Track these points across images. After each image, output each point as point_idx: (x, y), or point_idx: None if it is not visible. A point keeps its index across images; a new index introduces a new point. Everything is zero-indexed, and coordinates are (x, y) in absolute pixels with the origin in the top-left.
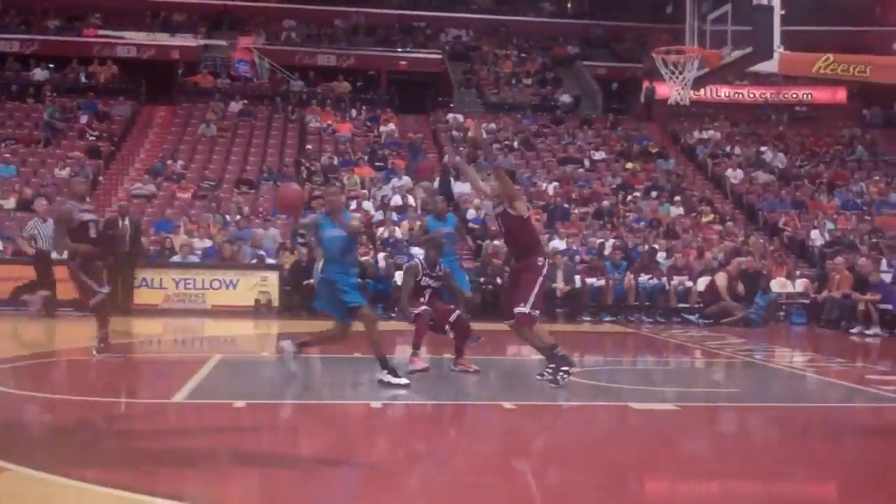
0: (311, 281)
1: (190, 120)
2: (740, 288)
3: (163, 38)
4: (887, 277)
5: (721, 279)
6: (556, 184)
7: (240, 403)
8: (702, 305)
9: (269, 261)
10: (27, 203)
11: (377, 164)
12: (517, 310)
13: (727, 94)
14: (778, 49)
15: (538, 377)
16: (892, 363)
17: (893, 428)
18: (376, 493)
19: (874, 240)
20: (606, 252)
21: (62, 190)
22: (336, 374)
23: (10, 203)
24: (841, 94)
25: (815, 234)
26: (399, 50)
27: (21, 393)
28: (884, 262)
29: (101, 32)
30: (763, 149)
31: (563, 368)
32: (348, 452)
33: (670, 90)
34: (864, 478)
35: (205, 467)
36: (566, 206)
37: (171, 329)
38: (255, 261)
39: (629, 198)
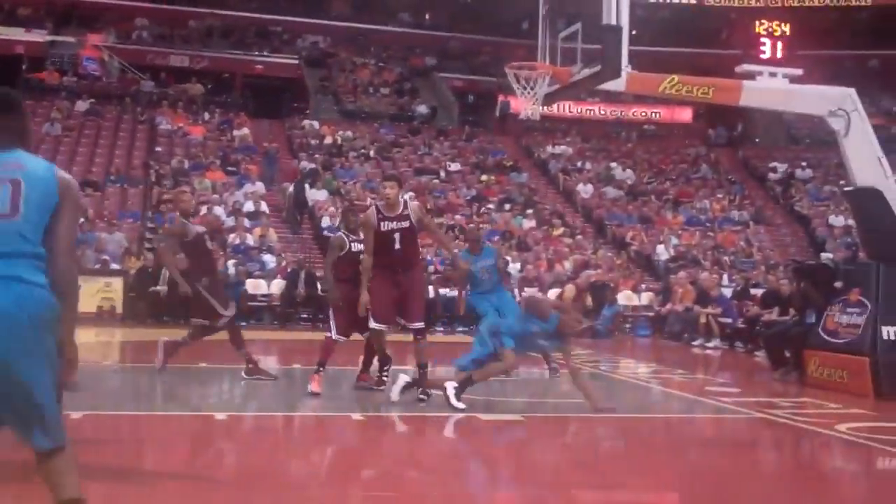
0: (159, 288)
1: (33, 118)
2: (588, 300)
3: (9, 32)
4: (728, 292)
5: (569, 291)
6: (411, 194)
7: (76, 415)
8: None
9: (114, 266)
10: None
11: (229, 168)
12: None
13: (579, 111)
14: (626, 69)
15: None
16: (731, 375)
17: (732, 438)
18: None
19: (716, 255)
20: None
21: None
22: (176, 384)
23: None
24: (687, 114)
25: (660, 248)
26: (255, 53)
27: None
28: (725, 276)
29: None
30: (613, 165)
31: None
32: (191, 465)
33: (522, 105)
34: (705, 487)
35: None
36: None
37: None
38: (98, 265)
39: (483, 209)
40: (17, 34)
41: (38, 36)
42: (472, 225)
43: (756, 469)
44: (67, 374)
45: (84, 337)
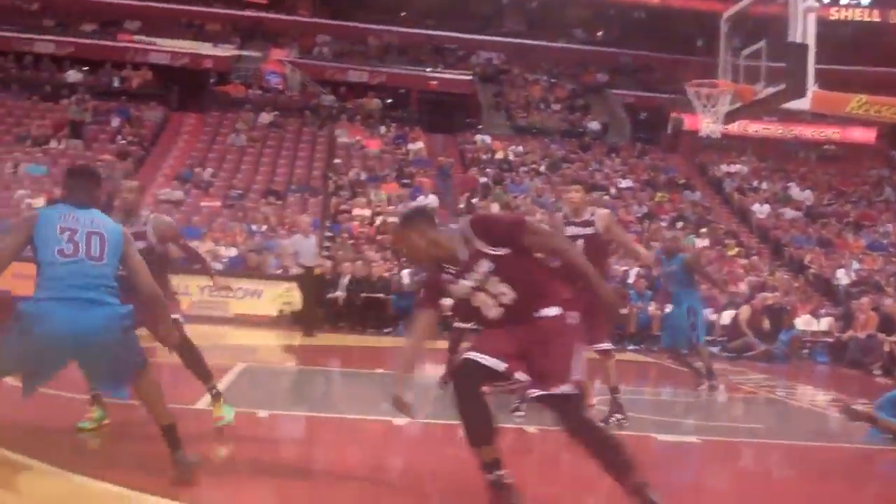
0: (336, 294)
1: (220, 129)
2: (765, 323)
3: (198, 47)
4: None
5: (745, 312)
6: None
7: (263, 413)
8: (725, 339)
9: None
10: (55, 202)
11: (404, 181)
12: None
13: (755, 130)
14: (811, 87)
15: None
16: None
17: None
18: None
19: None
20: (630, 280)
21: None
22: (360, 389)
23: (40, 202)
24: (870, 134)
25: (840, 272)
26: (430, 70)
27: (46, 392)
28: None
29: (136, 38)
30: (790, 185)
31: None
32: (363, 467)
33: (701, 122)
34: None
35: (223, 475)
36: None
37: (195, 336)
38: (279, 271)
39: (654, 227)
40: (205, 49)
41: (226, 51)
42: (670, 234)
43: None
44: (166, 342)
45: (266, 339)
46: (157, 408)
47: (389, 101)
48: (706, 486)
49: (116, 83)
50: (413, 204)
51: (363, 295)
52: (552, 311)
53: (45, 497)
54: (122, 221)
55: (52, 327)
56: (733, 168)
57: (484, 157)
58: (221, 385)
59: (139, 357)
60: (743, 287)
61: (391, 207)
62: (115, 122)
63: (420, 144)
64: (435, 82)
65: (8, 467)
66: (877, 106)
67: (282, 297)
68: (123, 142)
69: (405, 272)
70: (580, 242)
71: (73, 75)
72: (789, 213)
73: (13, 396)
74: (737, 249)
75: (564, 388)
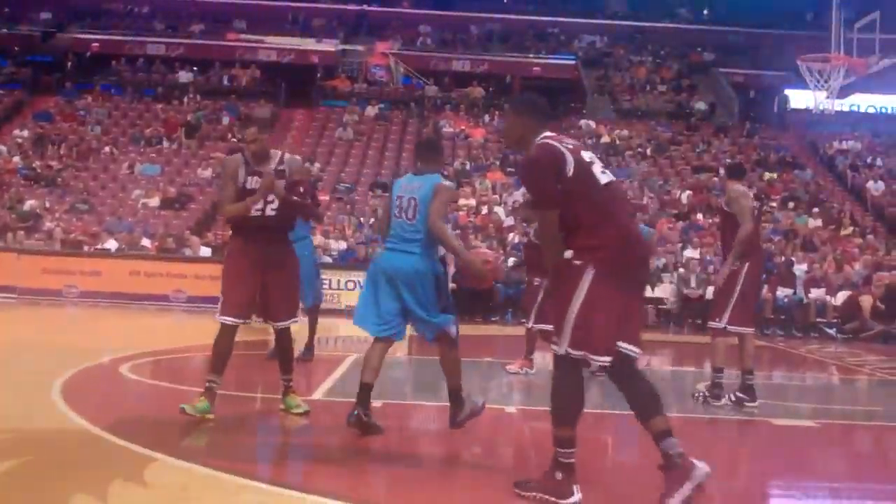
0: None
1: (327, 123)
2: (882, 305)
3: (304, 43)
4: None
5: (867, 301)
6: (689, 192)
7: (377, 403)
8: (839, 320)
9: None
10: (171, 201)
11: (509, 169)
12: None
13: (867, 106)
14: None
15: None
16: None
17: None
18: (507, 498)
19: None
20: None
21: (204, 190)
22: (469, 377)
23: (155, 201)
24: None
25: None
26: (532, 56)
27: (165, 385)
28: None
29: (243, 36)
30: None
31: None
32: (478, 455)
33: (814, 98)
34: None
35: (340, 463)
36: (699, 214)
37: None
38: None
39: (765, 208)
40: (311, 45)
41: (331, 46)
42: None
43: None
44: (476, 281)
45: None
46: (452, 370)
47: (492, 89)
48: (824, 470)
49: (226, 82)
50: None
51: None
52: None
53: (171, 488)
54: (259, 167)
55: (376, 266)
56: (846, 145)
57: (589, 141)
58: (335, 376)
59: (445, 307)
60: (858, 267)
61: (496, 196)
62: (226, 120)
63: None
64: (538, 68)
65: (133, 460)
66: None
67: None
68: (234, 140)
69: (510, 260)
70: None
71: (183, 76)
72: None
73: (136, 391)
74: (851, 229)
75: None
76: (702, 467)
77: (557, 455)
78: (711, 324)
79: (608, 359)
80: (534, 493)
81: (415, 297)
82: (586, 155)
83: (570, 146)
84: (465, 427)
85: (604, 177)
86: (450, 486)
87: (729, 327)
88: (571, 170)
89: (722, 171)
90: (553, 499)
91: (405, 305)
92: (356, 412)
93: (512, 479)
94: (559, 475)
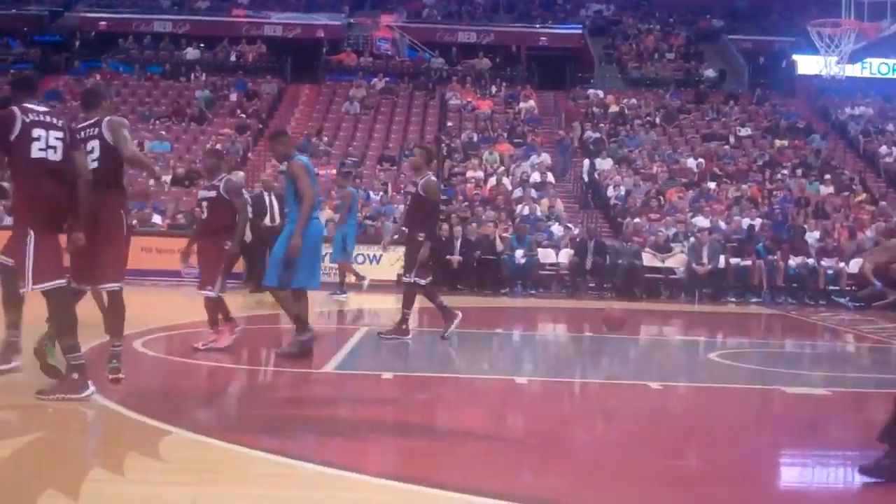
0: (453, 257)
1: (334, 98)
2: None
3: (311, 18)
4: None
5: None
6: (700, 160)
7: (387, 375)
8: (853, 288)
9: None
10: (181, 179)
11: (516, 140)
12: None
13: (879, 70)
14: None
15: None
16: None
17: None
18: (517, 468)
19: None
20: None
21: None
22: (478, 349)
23: (166, 178)
24: None
25: None
26: (539, 25)
27: (178, 360)
28: None
29: (249, 12)
30: None
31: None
32: (488, 425)
33: (824, 64)
34: None
35: (351, 435)
36: (710, 183)
37: (317, 302)
38: (396, 237)
39: (777, 175)
40: (317, 19)
41: (336, 20)
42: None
43: None
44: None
45: (386, 303)
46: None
47: (499, 59)
48: (838, 439)
49: (233, 58)
50: None
51: (478, 256)
52: None
53: (186, 461)
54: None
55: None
56: (857, 110)
57: (597, 111)
58: (346, 349)
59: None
60: (871, 234)
61: (504, 168)
62: (233, 96)
63: (531, 103)
64: (545, 38)
65: (148, 433)
66: None
67: (400, 261)
68: (242, 116)
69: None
70: None
71: (191, 52)
72: None
73: (149, 366)
74: (864, 195)
75: None
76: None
77: (69, 360)
78: None
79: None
80: (56, 395)
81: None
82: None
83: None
84: (477, 396)
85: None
86: (457, 455)
87: None
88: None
89: (733, 139)
90: (72, 395)
91: None
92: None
93: (523, 449)
94: (75, 375)
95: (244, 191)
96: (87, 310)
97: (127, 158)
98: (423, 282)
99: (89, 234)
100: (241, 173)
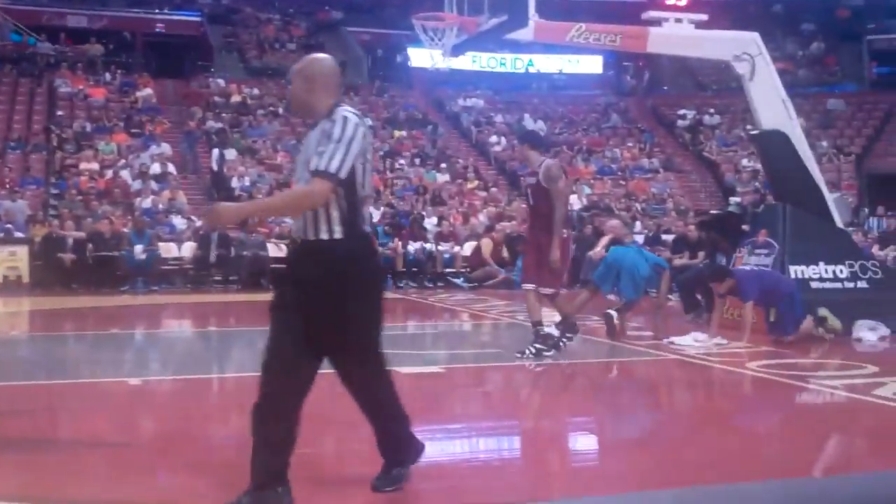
0: (65, 255)
1: None
2: (504, 252)
3: None
4: (640, 239)
5: (486, 246)
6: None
7: None
8: (468, 270)
9: (18, 234)
10: None
11: (133, 130)
12: None
13: (489, 63)
14: (533, 17)
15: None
16: (646, 319)
17: (648, 379)
18: (137, 475)
19: (628, 203)
20: (375, 220)
21: None
22: (89, 352)
23: None
24: (597, 64)
25: (573, 198)
26: (156, 12)
27: None
28: (637, 224)
29: None
30: (525, 116)
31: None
32: (111, 432)
33: (431, 57)
34: (626, 426)
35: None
36: None
37: None
38: (1, 234)
39: (396, 165)
40: None
41: None
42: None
43: (674, 409)
44: None
45: None
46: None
47: (112, 46)
48: (450, 413)
49: None
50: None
51: (93, 253)
52: None
53: None
54: None
55: None
56: (469, 102)
57: (219, 100)
58: None
59: None
60: (483, 218)
61: (122, 159)
62: None
63: (149, 91)
64: (161, 25)
65: None
66: (595, 34)
67: (5, 261)
68: None
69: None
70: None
71: None
72: None
73: None
74: (476, 182)
75: None
76: None
77: None
78: None
79: None
80: None
81: None
82: None
83: None
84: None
85: None
86: (83, 465)
87: None
88: None
89: None
90: None
91: None
92: None
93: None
94: None
95: None
96: None
97: None
98: None
99: None
100: None
